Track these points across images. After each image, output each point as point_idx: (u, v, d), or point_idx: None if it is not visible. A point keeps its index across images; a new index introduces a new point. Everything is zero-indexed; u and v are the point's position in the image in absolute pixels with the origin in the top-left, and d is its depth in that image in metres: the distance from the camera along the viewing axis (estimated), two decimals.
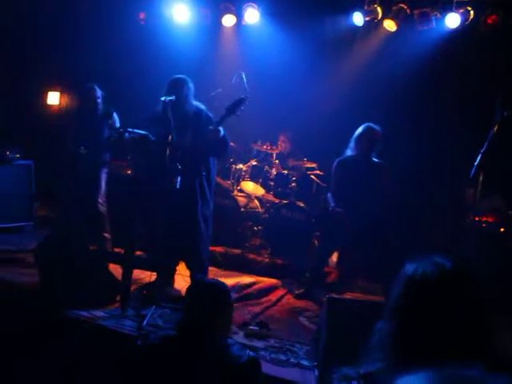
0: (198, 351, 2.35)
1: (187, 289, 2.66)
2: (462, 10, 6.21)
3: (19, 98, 7.94)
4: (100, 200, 5.87)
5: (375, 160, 5.32)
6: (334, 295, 4.30)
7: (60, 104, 8.59)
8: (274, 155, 7.05)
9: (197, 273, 4.88)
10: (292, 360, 3.88)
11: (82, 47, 7.63)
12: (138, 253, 5.22)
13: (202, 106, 4.92)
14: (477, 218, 5.40)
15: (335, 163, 5.43)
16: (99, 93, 5.92)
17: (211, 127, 4.58)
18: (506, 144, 4.93)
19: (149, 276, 4.81)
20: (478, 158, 4.52)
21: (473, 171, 4.53)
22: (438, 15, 6.32)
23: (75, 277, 4.36)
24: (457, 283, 1.51)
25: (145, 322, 4.12)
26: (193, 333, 2.40)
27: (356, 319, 3.34)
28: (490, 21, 6.07)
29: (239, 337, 4.17)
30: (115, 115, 5.89)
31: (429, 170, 6.27)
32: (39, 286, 4.60)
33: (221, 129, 4.61)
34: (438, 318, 1.47)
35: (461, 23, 6.23)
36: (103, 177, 5.93)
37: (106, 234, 5.93)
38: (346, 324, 3.44)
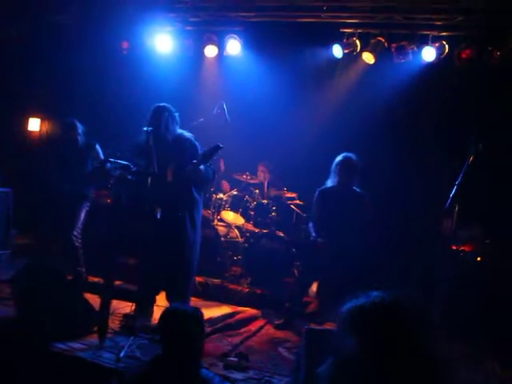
0: None
1: (159, 319, 2.64)
2: (437, 44, 6.38)
3: None
4: (75, 233, 5.83)
5: (356, 189, 5.38)
6: (314, 326, 4.30)
7: (41, 130, 8.56)
8: (254, 185, 7.10)
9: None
10: None
11: (65, 74, 7.65)
12: (117, 282, 5.17)
13: (188, 135, 4.89)
14: (454, 247, 5.48)
15: (316, 193, 5.48)
16: (79, 128, 5.91)
17: (189, 166, 4.52)
18: (481, 174, 5.04)
19: (127, 306, 4.78)
20: (454, 189, 4.60)
21: (448, 202, 4.60)
22: (415, 48, 6.49)
23: (52, 308, 4.29)
24: (390, 317, 1.53)
25: (122, 354, 4.07)
26: (170, 367, 2.37)
27: None
28: (464, 55, 6.24)
29: (218, 368, 4.13)
30: (98, 147, 5.91)
31: (407, 199, 6.34)
32: (15, 317, 4.51)
33: (201, 167, 4.57)
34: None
35: (436, 56, 6.40)
36: (83, 210, 5.90)
37: (81, 268, 5.87)
38: (325, 355, 3.42)
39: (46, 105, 8.29)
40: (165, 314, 2.61)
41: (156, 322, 4.89)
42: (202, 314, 2.58)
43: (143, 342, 4.44)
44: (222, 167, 7.01)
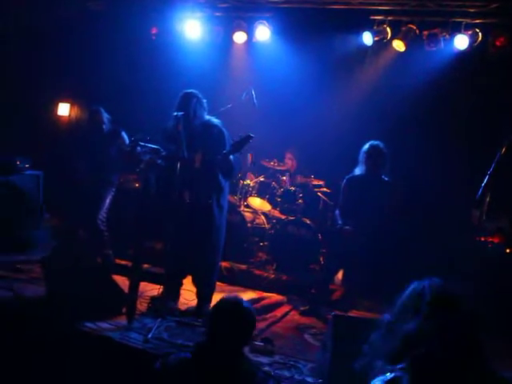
0: (223, 378, 2.31)
1: (213, 309, 2.55)
2: (470, 32, 6.27)
3: (29, 108, 8.04)
4: (101, 217, 5.92)
5: (384, 178, 5.34)
6: (339, 313, 4.30)
7: (70, 116, 8.68)
8: (282, 172, 7.10)
9: (204, 288, 4.91)
10: (296, 377, 3.87)
11: (94, 60, 7.74)
12: (145, 266, 5.24)
13: (216, 121, 4.89)
14: (483, 239, 5.41)
15: (344, 181, 5.46)
16: (105, 115, 5.98)
17: (219, 157, 4.56)
18: None
19: (155, 289, 4.84)
20: (485, 178, 4.53)
21: (479, 192, 4.54)
22: (447, 36, 6.38)
23: (82, 288, 4.38)
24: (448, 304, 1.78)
25: (150, 335, 4.14)
26: (214, 357, 2.34)
27: (361, 337, 3.34)
28: (498, 43, 6.13)
29: (245, 352, 4.17)
30: (124, 134, 5.96)
31: (436, 189, 6.28)
32: (46, 296, 4.62)
33: (231, 157, 4.60)
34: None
35: (469, 45, 6.29)
36: (108, 196, 5.99)
37: (108, 251, 5.97)
38: (351, 342, 3.43)
39: (76, 90, 8.40)
40: (220, 306, 2.51)
41: (185, 305, 5.02)
42: (254, 311, 2.53)
43: (170, 325, 4.50)
44: (250, 160, 7.01)
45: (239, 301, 2.49)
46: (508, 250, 5.53)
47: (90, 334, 4.19)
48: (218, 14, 7.46)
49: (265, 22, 7.14)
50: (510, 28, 6.06)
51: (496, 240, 5.57)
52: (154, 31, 7.78)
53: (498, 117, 5.53)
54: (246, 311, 2.46)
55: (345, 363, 3.33)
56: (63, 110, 8.66)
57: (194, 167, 4.65)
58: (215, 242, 4.87)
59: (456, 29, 6.33)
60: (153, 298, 4.85)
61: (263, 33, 7.17)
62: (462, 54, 6.41)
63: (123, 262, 5.81)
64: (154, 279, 5.13)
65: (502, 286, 5.10)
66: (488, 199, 4.54)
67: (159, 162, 4.52)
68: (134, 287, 4.51)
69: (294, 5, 7.04)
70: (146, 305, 4.82)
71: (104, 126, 5.98)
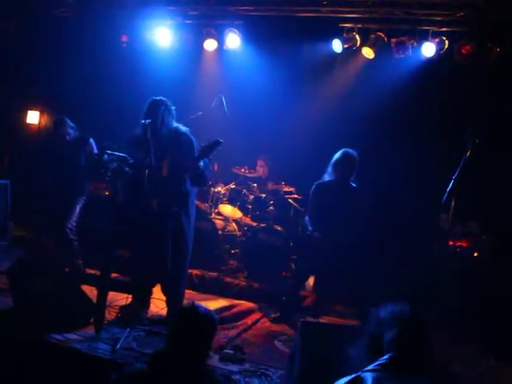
0: None
1: (176, 315, 2.58)
2: (437, 40, 6.39)
3: None
4: (70, 226, 5.83)
5: (353, 185, 5.37)
6: (310, 319, 4.31)
7: (39, 123, 8.56)
8: (252, 179, 7.10)
9: (173, 296, 4.86)
10: None
11: (64, 68, 7.64)
12: (114, 275, 5.18)
13: (184, 129, 4.85)
14: (451, 243, 5.49)
15: (313, 187, 5.47)
16: (68, 126, 5.91)
17: (189, 162, 4.53)
18: (478, 170, 5.04)
19: (124, 298, 4.78)
20: (451, 183, 4.60)
21: (445, 197, 4.60)
22: (415, 44, 6.49)
23: (48, 299, 4.30)
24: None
25: (118, 346, 4.08)
26: (174, 364, 2.33)
27: (330, 343, 3.35)
28: (464, 50, 6.24)
29: (214, 360, 4.14)
30: (91, 141, 5.91)
31: (406, 193, 6.34)
32: (12, 308, 4.52)
33: (200, 164, 4.56)
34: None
35: (436, 52, 6.41)
36: (78, 204, 5.92)
37: (77, 260, 5.89)
38: (319, 348, 3.44)
39: (45, 98, 8.30)
40: (183, 311, 2.55)
41: (152, 314, 4.97)
42: (216, 317, 2.56)
43: (139, 334, 4.46)
44: (216, 169, 7.02)
45: (196, 306, 2.51)
46: (476, 254, 5.61)
47: (57, 346, 4.12)
48: (188, 21, 7.44)
49: (235, 29, 7.15)
50: (475, 36, 6.18)
51: (464, 244, 5.65)
52: (124, 39, 7.75)
53: (463, 121, 5.62)
54: (203, 316, 2.47)
55: (313, 369, 3.34)
56: (32, 118, 8.53)
57: (161, 175, 4.62)
58: (183, 249, 4.83)
59: (423, 36, 6.45)
60: (121, 308, 4.79)
61: (233, 40, 7.18)
62: (430, 62, 6.51)
63: (92, 271, 5.73)
64: (122, 288, 5.06)
65: (470, 287, 5.17)
66: (453, 204, 4.60)
67: (126, 169, 4.48)
68: (102, 296, 4.44)
69: (264, 12, 7.06)
70: (114, 314, 4.76)
71: (68, 137, 5.91)
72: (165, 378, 2.31)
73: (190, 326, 2.41)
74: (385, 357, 2.10)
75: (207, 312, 2.51)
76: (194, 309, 2.49)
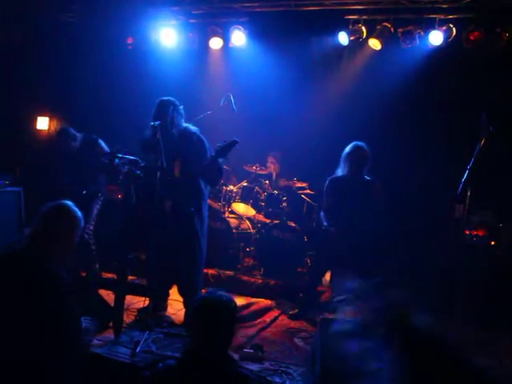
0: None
1: (193, 311, 2.53)
2: (444, 28, 6.31)
3: (8, 123, 7.93)
4: (87, 230, 5.82)
5: (366, 178, 5.33)
6: (328, 315, 4.28)
7: (49, 129, 8.58)
8: (264, 176, 7.09)
9: (190, 297, 4.86)
10: (288, 382, 3.86)
11: (72, 72, 7.66)
12: (130, 277, 5.19)
13: (194, 129, 4.85)
14: (467, 232, 5.44)
15: (327, 182, 5.44)
16: (71, 134, 5.89)
17: (207, 161, 4.54)
18: (493, 159, 4.98)
19: (141, 301, 4.79)
20: (465, 174, 4.54)
21: (460, 187, 4.55)
22: (422, 33, 6.41)
23: None
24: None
25: (138, 349, 4.09)
26: (201, 361, 2.31)
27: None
28: (472, 37, 6.17)
29: (233, 356, 4.13)
30: (100, 142, 5.90)
31: (419, 185, 6.30)
32: None
33: (220, 160, 4.58)
34: None
35: (444, 40, 6.33)
36: (95, 207, 5.91)
37: (95, 264, 5.89)
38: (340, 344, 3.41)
39: (54, 103, 8.32)
40: (199, 301, 2.50)
41: (170, 315, 4.97)
42: (235, 302, 2.50)
43: (158, 337, 4.46)
44: (228, 167, 7.01)
45: (211, 292, 2.49)
46: (493, 243, 5.56)
47: None
48: (192, 20, 7.42)
49: (240, 26, 7.12)
50: (483, 22, 6.10)
51: (480, 233, 5.60)
52: (129, 41, 7.74)
53: (476, 110, 5.55)
54: (221, 298, 2.44)
55: (334, 366, 3.32)
56: (42, 123, 8.56)
57: (173, 176, 4.61)
58: (198, 250, 4.82)
59: (430, 25, 6.37)
60: (139, 311, 4.80)
61: (239, 38, 7.15)
62: (438, 50, 6.44)
63: (108, 275, 5.74)
64: (139, 291, 5.08)
65: (487, 275, 5.13)
66: (469, 194, 4.54)
67: (138, 172, 4.47)
68: (119, 300, 4.45)
69: (268, 8, 7.03)
70: (133, 317, 4.77)
71: (72, 143, 5.90)
72: (195, 374, 2.30)
73: (210, 312, 2.38)
74: None
75: (224, 295, 2.48)
76: (210, 294, 2.46)
